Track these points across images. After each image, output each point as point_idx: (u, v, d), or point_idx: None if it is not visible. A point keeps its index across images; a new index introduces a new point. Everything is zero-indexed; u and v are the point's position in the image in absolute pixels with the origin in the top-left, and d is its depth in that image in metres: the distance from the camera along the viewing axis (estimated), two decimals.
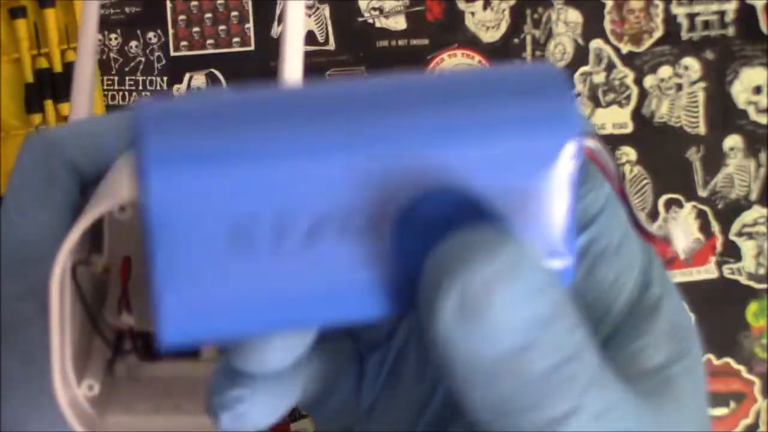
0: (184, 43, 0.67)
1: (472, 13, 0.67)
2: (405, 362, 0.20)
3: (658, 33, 0.67)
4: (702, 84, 0.67)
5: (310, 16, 0.67)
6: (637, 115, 0.67)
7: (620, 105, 0.67)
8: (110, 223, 0.23)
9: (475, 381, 0.15)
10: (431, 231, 0.15)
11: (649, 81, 0.67)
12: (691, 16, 0.67)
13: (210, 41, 0.67)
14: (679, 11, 0.67)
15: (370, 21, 0.67)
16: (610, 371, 0.16)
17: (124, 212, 0.26)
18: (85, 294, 0.21)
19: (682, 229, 0.18)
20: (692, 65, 0.67)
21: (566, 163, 0.15)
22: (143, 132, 0.14)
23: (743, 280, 0.67)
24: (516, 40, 0.67)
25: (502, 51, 0.67)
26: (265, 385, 0.18)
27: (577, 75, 0.67)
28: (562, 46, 0.67)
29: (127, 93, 0.67)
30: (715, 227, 0.67)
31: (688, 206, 0.67)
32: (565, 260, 0.16)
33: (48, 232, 0.24)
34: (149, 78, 0.67)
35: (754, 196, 0.67)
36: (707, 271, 0.68)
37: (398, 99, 0.15)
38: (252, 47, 0.67)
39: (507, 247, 0.14)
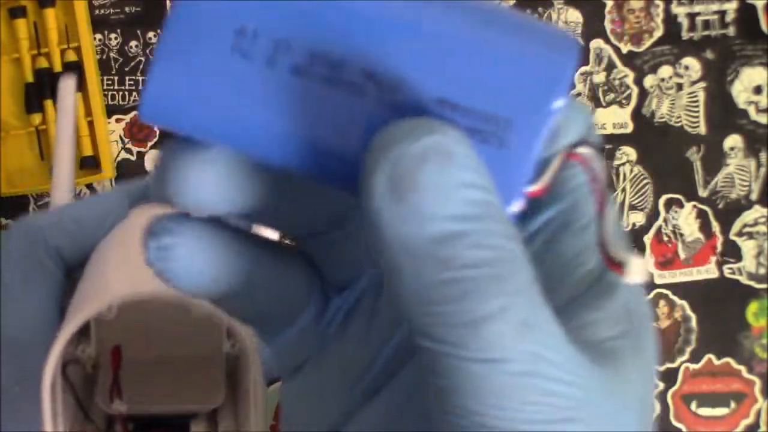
0: None
1: None
2: (356, 317, 0.20)
3: (659, 33, 0.67)
4: (702, 84, 0.67)
5: None
6: (637, 114, 0.67)
7: (620, 105, 0.67)
8: (97, 318, 0.25)
9: (403, 266, 0.15)
10: (403, 115, 0.16)
11: (649, 81, 0.67)
12: (692, 16, 0.67)
13: None
14: (680, 11, 0.67)
15: None
16: (548, 306, 0.16)
17: (111, 311, 0.27)
18: (77, 389, 0.22)
19: (641, 266, 0.17)
20: (692, 65, 0.67)
21: (550, 108, 0.16)
22: None
23: (743, 279, 0.67)
24: None
25: None
26: (195, 227, 0.18)
27: (577, 75, 0.67)
28: None
29: (126, 93, 0.67)
30: (716, 227, 0.67)
31: (689, 206, 0.67)
32: (515, 205, 0.17)
33: (36, 319, 0.25)
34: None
35: (754, 196, 0.67)
36: (707, 271, 0.67)
37: None
38: None
39: (442, 131, 0.15)
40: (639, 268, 0.17)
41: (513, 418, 0.15)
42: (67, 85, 0.37)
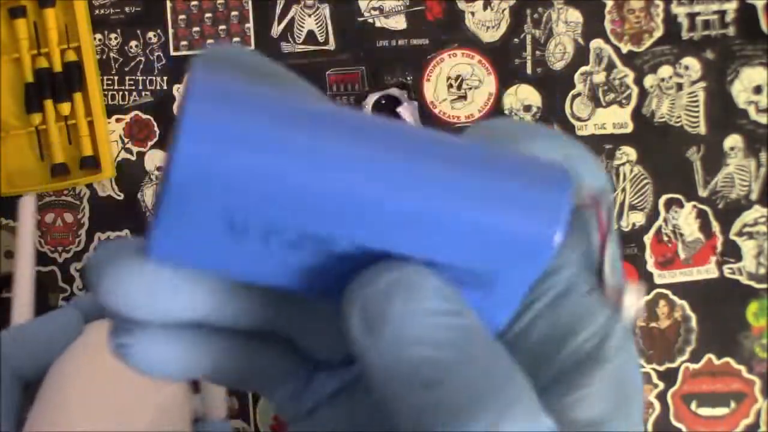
0: (184, 42, 0.67)
1: (472, 13, 0.67)
2: (341, 402, 0.20)
3: (659, 33, 0.67)
4: (702, 84, 0.67)
5: (310, 16, 0.67)
6: (637, 114, 0.67)
7: (620, 105, 0.67)
8: None
9: (394, 394, 0.15)
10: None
11: (649, 81, 0.67)
12: (692, 16, 0.67)
13: (210, 41, 0.67)
14: (680, 11, 0.67)
15: (370, 21, 0.67)
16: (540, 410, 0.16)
17: None
18: None
19: (636, 296, 0.18)
20: (692, 65, 0.67)
21: (537, 261, 0.16)
22: (191, 111, 0.15)
23: (743, 279, 0.67)
24: (516, 40, 0.67)
25: (502, 51, 0.67)
26: (153, 332, 0.18)
27: (577, 75, 0.67)
28: (562, 46, 0.67)
29: (126, 93, 0.67)
30: (716, 227, 0.67)
31: (689, 206, 0.67)
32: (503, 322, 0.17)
33: None
34: (149, 78, 0.67)
35: (754, 196, 0.67)
36: (707, 271, 0.67)
37: (421, 152, 0.16)
38: (252, 47, 0.67)
39: (400, 267, 0.16)
40: (634, 300, 0.18)
41: None
42: (26, 205, 0.37)
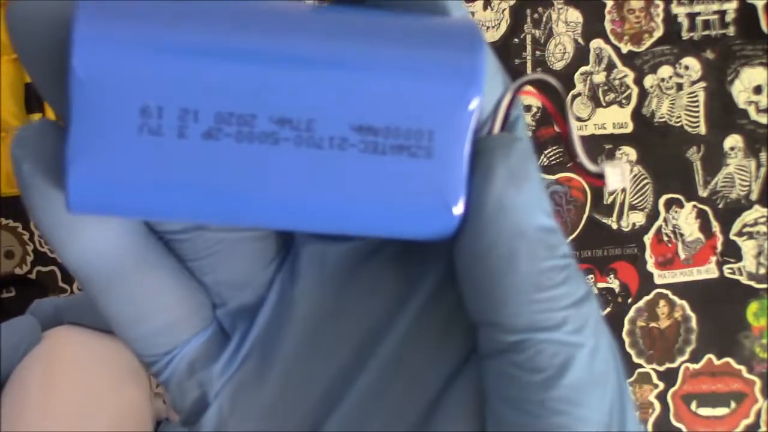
0: None
1: (472, 13, 0.67)
2: (278, 346, 0.19)
3: (659, 33, 0.67)
4: (702, 84, 0.67)
5: None
6: (637, 114, 0.67)
7: (620, 105, 0.67)
8: None
9: (520, 250, 0.16)
10: (326, 151, 0.16)
11: (649, 81, 0.67)
12: (692, 16, 0.67)
13: None
14: (680, 11, 0.67)
15: None
16: None
17: None
18: None
19: (620, 170, 0.18)
20: (692, 65, 0.67)
21: (467, 110, 0.17)
22: (79, 13, 0.16)
23: (743, 279, 0.67)
24: (516, 40, 0.67)
25: (502, 51, 0.67)
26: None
27: (577, 75, 0.67)
28: (562, 46, 0.67)
29: None
30: (716, 227, 0.67)
31: (689, 206, 0.67)
32: (458, 206, 0.17)
33: None
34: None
35: (754, 196, 0.67)
36: (707, 271, 0.67)
37: (328, 25, 0.16)
38: None
39: (521, 139, 0.17)
40: (617, 175, 0.18)
41: None
42: None
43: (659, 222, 0.67)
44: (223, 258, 0.19)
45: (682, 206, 0.67)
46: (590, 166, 0.18)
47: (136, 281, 0.18)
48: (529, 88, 0.19)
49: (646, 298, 0.68)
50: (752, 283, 0.67)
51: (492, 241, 0.16)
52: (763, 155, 0.67)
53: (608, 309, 0.68)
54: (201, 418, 0.19)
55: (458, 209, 0.17)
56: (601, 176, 0.18)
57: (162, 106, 0.16)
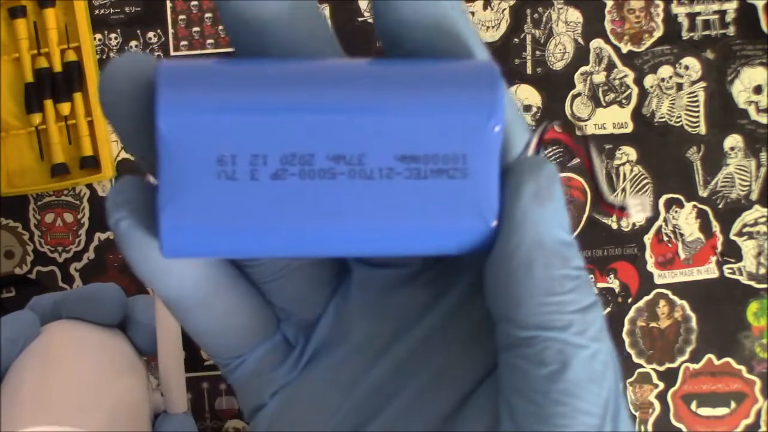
0: (184, 42, 0.67)
1: (472, 13, 0.67)
2: (331, 356, 0.23)
3: (659, 33, 0.67)
4: (702, 84, 0.67)
5: None
6: (637, 114, 0.67)
7: (620, 105, 0.67)
8: None
9: (537, 258, 0.19)
10: (377, 181, 0.19)
11: (649, 81, 0.67)
12: (692, 16, 0.67)
13: (210, 41, 0.67)
14: (680, 11, 0.67)
15: (370, 21, 0.67)
16: None
17: None
18: None
19: (641, 202, 0.21)
20: (692, 65, 0.67)
21: (493, 134, 0.19)
22: (160, 77, 0.19)
23: (743, 279, 0.67)
24: (516, 40, 0.67)
25: (502, 51, 0.67)
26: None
27: (577, 75, 0.67)
28: (562, 46, 0.67)
29: None
30: (716, 227, 0.67)
31: (689, 206, 0.67)
32: (494, 219, 0.20)
33: None
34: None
35: (754, 196, 0.67)
36: (707, 271, 0.67)
37: (370, 75, 0.20)
38: None
39: (549, 163, 0.20)
40: (639, 207, 0.21)
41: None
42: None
43: (659, 222, 0.67)
44: (286, 282, 0.22)
45: (682, 206, 0.67)
46: (614, 201, 0.21)
47: (214, 304, 0.22)
48: (556, 127, 0.21)
49: (646, 298, 0.68)
50: (752, 283, 0.67)
51: (514, 248, 0.19)
52: (763, 155, 0.67)
53: (608, 309, 0.68)
54: (258, 414, 0.23)
55: (494, 221, 0.19)
56: (624, 209, 0.21)
57: (235, 154, 0.19)
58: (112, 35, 0.67)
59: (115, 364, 0.37)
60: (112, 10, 0.67)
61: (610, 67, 0.67)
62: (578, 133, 0.21)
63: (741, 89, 0.67)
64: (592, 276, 0.68)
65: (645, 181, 0.67)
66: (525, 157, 0.20)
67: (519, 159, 0.20)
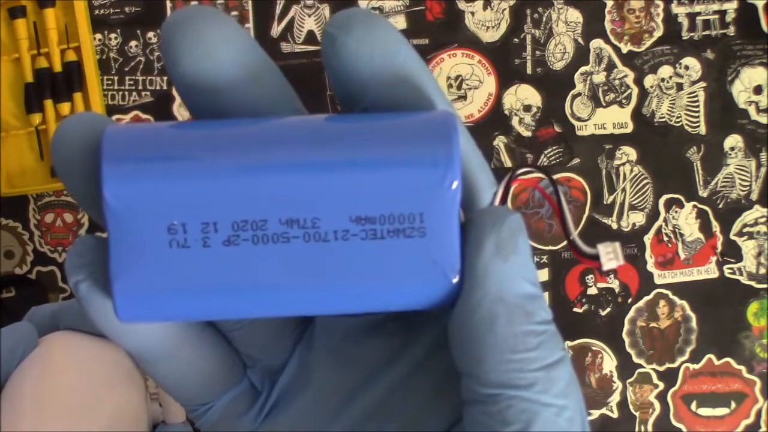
0: None
1: (472, 13, 0.67)
2: (296, 402, 0.22)
3: (659, 33, 0.67)
4: (702, 84, 0.67)
5: (310, 16, 0.67)
6: (637, 114, 0.67)
7: (620, 105, 0.67)
8: None
9: (500, 314, 0.18)
10: (332, 243, 0.19)
11: (649, 81, 0.67)
12: (692, 16, 0.67)
13: None
14: (680, 11, 0.67)
15: None
16: None
17: None
18: None
19: (612, 249, 0.21)
20: (692, 65, 0.67)
21: (450, 191, 0.19)
22: (104, 150, 0.18)
23: (743, 279, 0.67)
24: (516, 40, 0.67)
25: (502, 51, 0.67)
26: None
27: (577, 75, 0.67)
28: (562, 46, 0.67)
29: (126, 93, 0.67)
30: (716, 227, 0.67)
31: (689, 206, 0.67)
32: (455, 275, 0.19)
33: None
34: (149, 78, 0.67)
35: (754, 196, 0.67)
36: (707, 271, 0.67)
37: (320, 133, 0.19)
38: None
39: (512, 214, 0.19)
40: (611, 254, 0.21)
41: None
42: None
43: (659, 222, 0.67)
44: (249, 331, 0.22)
45: (682, 206, 0.67)
46: (585, 248, 0.20)
47: (179, 356, 0.21)
48: (525, 176, 0.21)
49: (646, 298, 0.68)
50: (752, 283, 0.67)
51: (476, 304, 0.18)
52: (763, 155, 0.67)
53: (608, 309, 0.68)
54: None
55: (456, 278, 0.19)
56: (596, 258, 0.21)
57: (185, 222, 0.18)
58: (112, 35, 0.67)
59: (112, 375, 0.37)
60: (112, 10, 0.67)
61: (610, 67, 0.67)
62: (546, 179, 0.20)
63: (741, 89, 0.67)
64: (591, 276, 0.68)
65: (645, 181, 0.67)
66: (486, 209, 0.19)
67: (480, 211, 0.19)
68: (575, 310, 0.67)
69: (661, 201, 0.67)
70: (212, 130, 0.19)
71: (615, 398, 0.68)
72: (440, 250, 0.19)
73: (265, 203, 0.18)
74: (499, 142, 0.67)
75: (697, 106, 0.67)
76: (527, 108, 0.67)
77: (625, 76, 0.67)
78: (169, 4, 0.67)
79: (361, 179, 0.18)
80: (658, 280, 0.67)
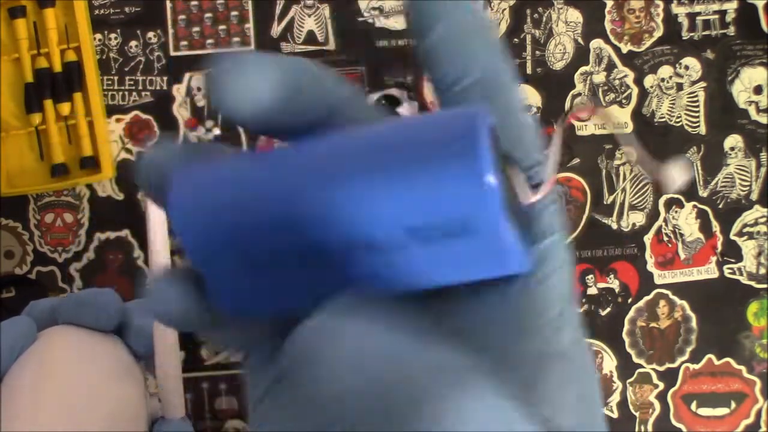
0: (184, 42, 0.67)
1: None
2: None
3: (659, 33, 0.67)
4: (702, 84, 0.67)
5: (310, 16, 0.67)
6: (637, 114, 0.67)
7: (620, 105, 0.67)
8: None
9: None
10: (390, 252, 0.19)
11: (649, 81, 0.67)
12: (692, 16, 0.67)
13: (210, 41, 0.67)
14: (680, 11, 0.67)
15: (370, 21, 0.67)
16: None
17: None
18: None
19: (678, 170, 0.20)
20: (692, 65, 0.67)
21: (488, 187, 0.19)
22: (173, 201, 0.20)
23: (743, 279, 0.67)
24: (516, 40, 0.67)
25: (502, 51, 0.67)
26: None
27: (577, 75, 0.67)
28: (562, 46, 0.67)
29: (126, 93, 0.67)
30: (716, 227, 0.67)
31: (689, 206, 0.67)
32: (520, 263, 0.19)
33: None
34: (149, 78, 0.67)
35: (754, 196, 0.67)
36: (708, 271, 0.67)
37: (351, 161, 0.19)
38: (252, 47, 0.67)
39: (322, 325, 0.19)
40: (677, 173, 0.21)
41: None
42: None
43: (659, 222, 0.67)
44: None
45: (682, 206, 0.67)
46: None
47: None
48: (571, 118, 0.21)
49: (646, 298, 0.68)
50: (752, 283, 0.67)
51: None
52: (763, 155, 0.67)
53: (608, 309, 0.68)
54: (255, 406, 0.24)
55: (516, 266, 0.19)
56: (661, 180, 0.21)
57: (247, 246, 0.20)
58: (112, 35, 0.67)
59: (111, 370, 0.37)
60: (112, 10, 0.67)
61: (610, 67, 0.67)
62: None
63: (741, 89, 0.67)
64: (592, 276, 0.68)
65: (645, 181, 0.67)
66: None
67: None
68: None
69: (661, 201, 0.67)
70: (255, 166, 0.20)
71: (615, 398, 0.68)
72: (493, 244, 0.19)
73: (325, 228, 0.19)
74: None
75: (697, 106, 0.67)
76: (527, 108, 0.67)
77: (625, 76, 0.67)
78: (169, 5, 0.67)
79: (400, 193, 0.19)
80: (658, 280, 0.67)
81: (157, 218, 0.35)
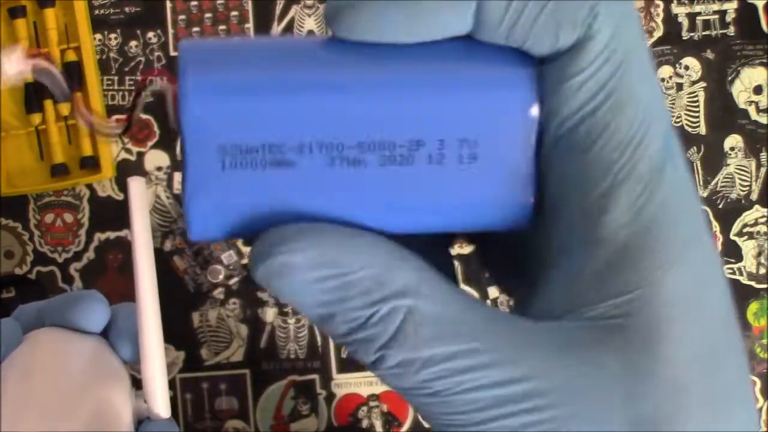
0: None
1: None
2: None
3: (659, 33, 0.67)
4: (702, 84, 0.67)
5: (310, 16, 0.67)
6: None
7: None
8: None
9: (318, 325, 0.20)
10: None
11: None
12: (692, 16, 0.67)
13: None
14: (680, 11, 0.67)
15: None
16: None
17: None
18: None
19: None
20: (692, 65, 0.67)
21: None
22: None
23: (743, 280, 0.67)
24: None
25: None
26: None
27: None
28: None
29: (126, 93, 0.67)
30: (716, 227, 0.67)
31: None
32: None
33: None
34: (149, 78, 0.67)
35: (754, 196, 0.67)
36: None
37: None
38: None
39: (275, 254, 0.19)
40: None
41: None
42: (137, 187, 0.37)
43: None
44: None
45: None
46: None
47: None
48: None
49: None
50: (752, 284, 0.67)
51: None
52: (763, 155, 0.67)
53: None
54: None
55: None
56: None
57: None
58: (112, 35, 0.67)
59: (96, 371, 0.37)
60: (112, 10, 0.67)
61: None
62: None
63: (741, 89, 0.67)
64: None
65: None
66: (253, 248, 0.20)
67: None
68: None
69: None
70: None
71: None
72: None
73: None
74: None
75: (697, 106, 0.67)
76: None
77: None
78: (169, 5, 0.67)
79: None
80: None
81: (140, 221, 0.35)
